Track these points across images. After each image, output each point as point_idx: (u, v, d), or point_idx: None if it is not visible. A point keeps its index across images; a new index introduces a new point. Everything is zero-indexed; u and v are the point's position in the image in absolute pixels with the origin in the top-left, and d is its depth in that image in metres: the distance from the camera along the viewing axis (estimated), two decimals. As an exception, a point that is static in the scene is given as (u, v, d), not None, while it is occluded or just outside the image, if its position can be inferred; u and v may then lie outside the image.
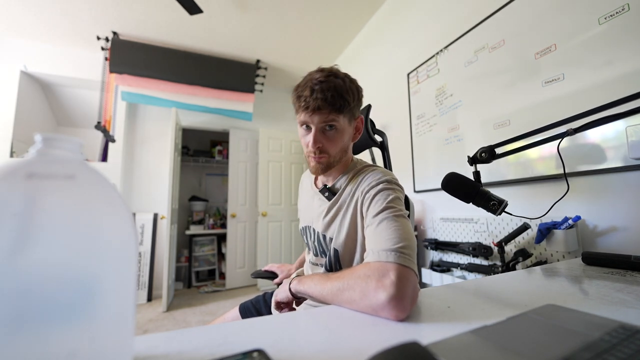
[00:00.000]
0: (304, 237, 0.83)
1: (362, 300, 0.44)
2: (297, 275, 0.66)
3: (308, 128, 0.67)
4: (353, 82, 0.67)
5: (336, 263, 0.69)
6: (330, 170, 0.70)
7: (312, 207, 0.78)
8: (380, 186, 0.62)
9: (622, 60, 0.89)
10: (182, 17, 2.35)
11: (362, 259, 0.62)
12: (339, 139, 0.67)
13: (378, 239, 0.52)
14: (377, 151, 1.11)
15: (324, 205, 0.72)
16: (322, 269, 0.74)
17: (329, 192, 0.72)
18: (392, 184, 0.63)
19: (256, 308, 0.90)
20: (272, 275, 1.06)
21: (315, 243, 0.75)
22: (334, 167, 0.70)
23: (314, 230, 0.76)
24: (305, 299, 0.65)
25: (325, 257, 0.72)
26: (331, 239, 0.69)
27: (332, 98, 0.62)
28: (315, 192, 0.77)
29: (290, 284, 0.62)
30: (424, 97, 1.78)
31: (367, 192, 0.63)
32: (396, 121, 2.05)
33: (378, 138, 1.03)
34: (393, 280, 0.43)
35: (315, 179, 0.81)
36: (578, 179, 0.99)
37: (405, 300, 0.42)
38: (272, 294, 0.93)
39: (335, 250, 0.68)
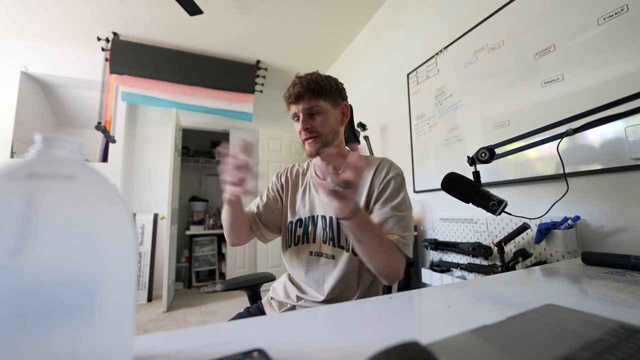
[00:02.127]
0: (300, 228, 0.82)
1: (389, 262, 0.64)
2: None
3: (298, 118, 0.76)
4: (330, 76, 0.78)
5: None
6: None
7: (316, 197, 0.81)
8: (398, 180, 0.73)
9: (622, 61, 0.89)
10: (182, 18, 2.35)
11: None
12: (325, 120, 0.76)
13: (397, 228, 0.67)
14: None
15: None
16: (327, 259, 0.75)
17: None
18: (403, 178, 0.75)
19: None
20: (244, 286, 1.00)
21: (327, 229, 0.77)
22: (328, 147, 0.77)
23: (323, 217, 0.78)
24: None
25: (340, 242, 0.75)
26: None
27: (309, 85, 0.73)
28: (321, 181, 0.80)
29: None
30: (423, 98, 1.78)
31: (386, 181, 0.73)
32: (396, 121, 2.05)
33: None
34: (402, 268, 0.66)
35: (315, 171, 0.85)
36: (577, 179, 0.99)
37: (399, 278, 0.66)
38: (257, 307, 0.89)
39: None
